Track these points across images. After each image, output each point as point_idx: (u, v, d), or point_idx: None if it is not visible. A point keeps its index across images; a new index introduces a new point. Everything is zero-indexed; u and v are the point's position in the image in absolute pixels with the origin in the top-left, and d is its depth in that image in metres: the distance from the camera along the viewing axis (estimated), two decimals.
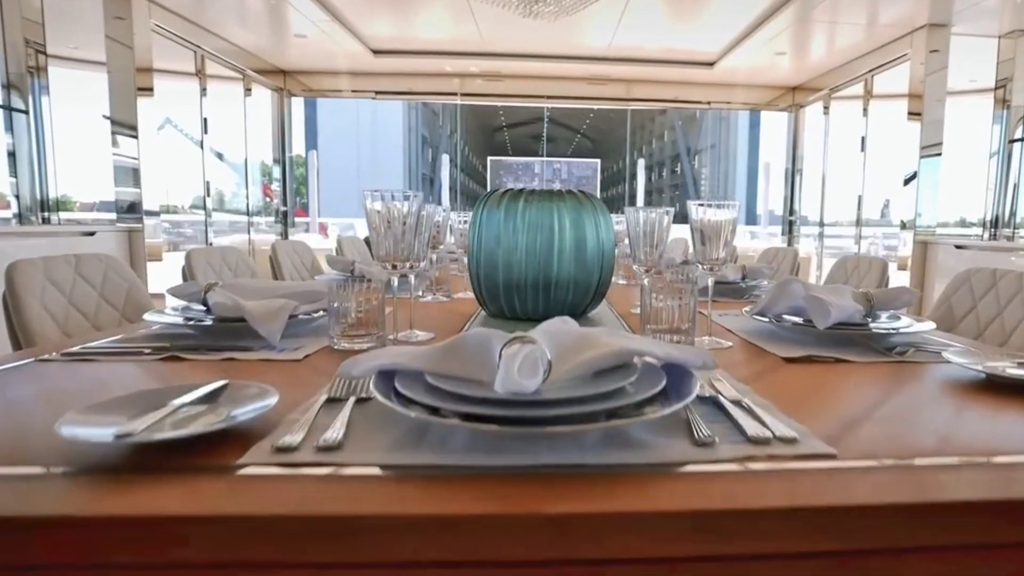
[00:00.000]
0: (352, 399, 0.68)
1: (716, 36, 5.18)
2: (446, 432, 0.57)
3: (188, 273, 1.98)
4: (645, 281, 1.10)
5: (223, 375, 0.82)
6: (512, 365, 0.53)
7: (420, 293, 1.66)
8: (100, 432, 0.51)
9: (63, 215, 4.81)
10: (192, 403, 0.62)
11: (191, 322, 1.08)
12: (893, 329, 1.08)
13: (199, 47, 4.92)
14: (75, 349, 0.94)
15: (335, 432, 0.56)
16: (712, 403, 0.70)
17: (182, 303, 1.18)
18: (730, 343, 1.07)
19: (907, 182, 4.67)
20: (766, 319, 1.18)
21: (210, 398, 0.64)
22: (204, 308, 1.13)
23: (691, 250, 3.25)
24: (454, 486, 0.48)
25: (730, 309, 1.49)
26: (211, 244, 5.21)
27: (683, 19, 4.82)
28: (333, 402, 0.68)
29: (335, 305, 1.01)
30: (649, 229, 1.22)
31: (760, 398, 0.72)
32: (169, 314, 1.11)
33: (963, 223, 5.60)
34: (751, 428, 0.60)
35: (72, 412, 0.55)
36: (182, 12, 4.54)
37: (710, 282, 1.10)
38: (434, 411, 0.56)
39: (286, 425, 0.60)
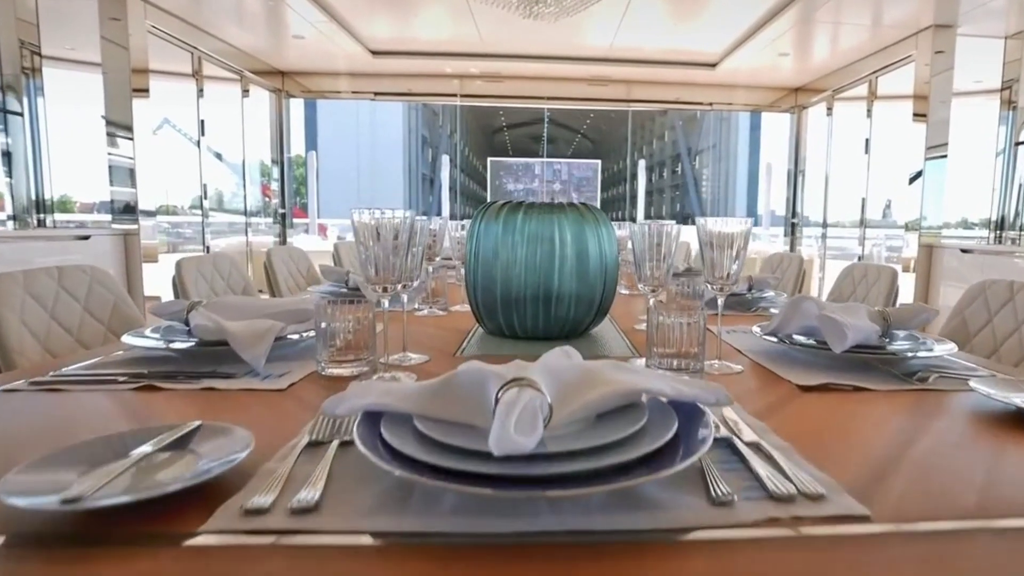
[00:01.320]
0: (335, 443, 0.62)
1: (718, 37, 5.12)
2: (436, 487, 0.52)
3: (178, 283, 1.92)
4: (651, 302, 1.04)
5: (200, 408, 0.77)
6: (508, 421, 0.47)
7: (416, 305, 1.60)
8: (44, 500, 0.45)
9: (64, 216, 4.77)
10: (159, 451, 0.57)
11: (171, 344, 1.02)
12: (911, 353, 1.02)
13: (196, 48, 4.86)
14: (44, 378, 0.88)
15: (311, 492, 0.50)
16: (726, 444, 0.65)
17: (164, 322, 1.13)
18: (740, 367, 1.01)
19: (912, 180, 4.61)
20: (776, 339, 1.12)
21: (179, 443, 0.59)
22: (187, 328, 1.07)
23: (693, 256, 3.19)
24: (440, 561, 0.42)
25: (737, 324, 1.44)
26: (208, 247, 5.15)
27: (685, 20, 4.76)
28: (316, 445, 0.63)
29: (323, 326, 0.96)
30: (655, 243, 1.14)
31: (778, 439, 0.66)
32: (148, 336, 1.06)
33: (965, 224, 5.55)
34: (773, 481, 0.54)
35: (16, 470, 0.49)
36: (178, 13, 4.48)
37: (720, 302, 1.04)
38: (422, 464, 0.51)
39: (261, 477, 0.54)
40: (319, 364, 0.95)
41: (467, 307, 1.43)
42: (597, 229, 1.28)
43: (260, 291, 3.12)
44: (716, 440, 0.64)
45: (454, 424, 0.57)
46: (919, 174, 4.56)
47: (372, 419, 0.59)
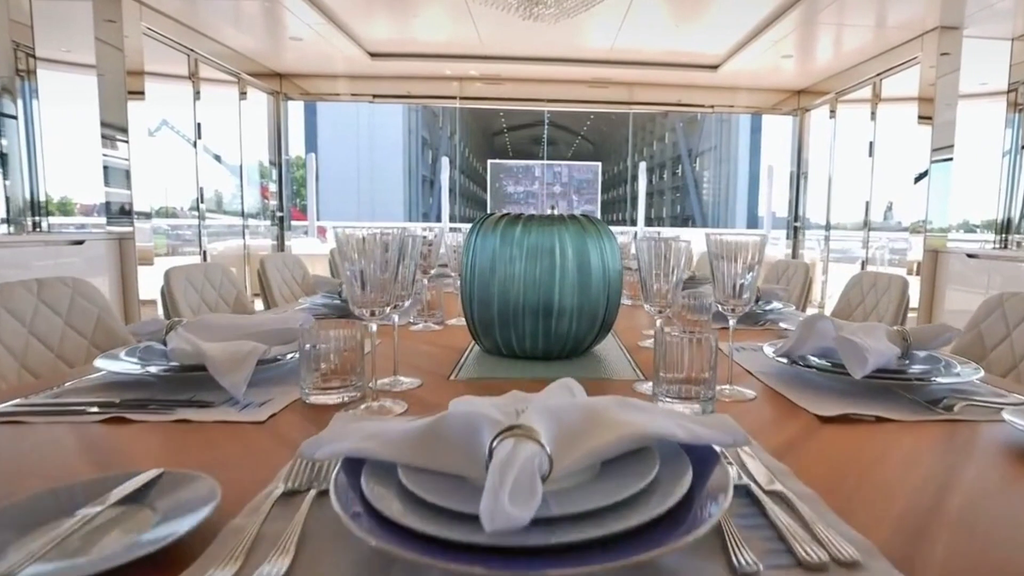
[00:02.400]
0: (312, 493, 0.56)
1: (720, 39, 5.06)
2: (418, 562, 0.45)
3: (167, 293, 1.86)
4: (658, 323, 0.98)
5: (169, 446, 0.71)
6: (502, 489, 0.41)
7: (411, 319, 1.54)
8: None
9: (64, 219, 4.72)
10: (111, 506, 0.51)
11: (147, 368, 0.96)
12: (934, 377, 0.96)
13: (192, 50, 4.80)
14: (5, 407, 0.82)
15: (277, 565, 0.44)
16: (745, 493, 0.59)
17: (143, 342, 1.07)
18: (753, 393, 0.95)
19: (917, 180, 4.54)
20: (788, 360, 1.06)
21: (136, 496, 0.53)
22: (166, 349, 1.01)
23: (696, 261, 3.10)
24: None
25: (746, 339, 1.38)
26: (204, 250, 5.09)
27: (686, 21, 4.70)
28: (292, 494, 0.57)
29: (307, 348, 0.90)
30: (662, 254, 1.06)
31: (802, 485, 0.60)
32: (123, 360, 1.00)
33: (967, 226, 5.47)
34: (800, 544, 0.48)
35: None
36: (174, 15, 4.43)
37: (731, 323, 0.98)
38: (404, 529, 0.45)
39: (225, 538, 0.48)
40: (303, 391, 0.89)
41: (464, 320, 1.37)
42: (599, 241, 1.22)
43: (256, 295, 3.06)
44: (734, 488, 0.58)
45: (443, 475, 0.51)
46: (923, 174, 4.50)
47: (354, 465, 0.54)
